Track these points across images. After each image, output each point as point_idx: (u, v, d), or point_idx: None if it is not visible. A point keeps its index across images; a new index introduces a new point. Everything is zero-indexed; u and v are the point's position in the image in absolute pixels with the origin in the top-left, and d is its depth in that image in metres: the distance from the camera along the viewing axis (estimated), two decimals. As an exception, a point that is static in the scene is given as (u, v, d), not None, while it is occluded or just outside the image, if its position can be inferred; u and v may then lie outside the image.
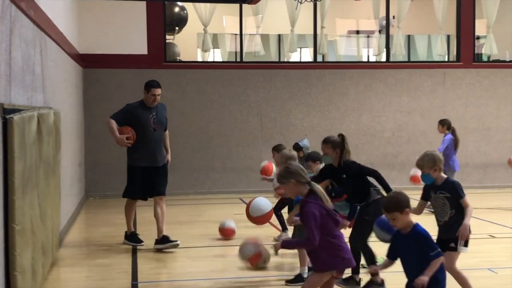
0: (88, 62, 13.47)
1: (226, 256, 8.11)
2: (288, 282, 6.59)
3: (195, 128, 14.24)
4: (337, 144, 6.41)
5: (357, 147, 14.31)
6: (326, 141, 6.47)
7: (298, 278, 6.52)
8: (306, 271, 6.54)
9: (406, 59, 17.19)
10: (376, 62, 16.16)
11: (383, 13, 15.13)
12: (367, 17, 17.09)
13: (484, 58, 16.17)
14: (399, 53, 15.21)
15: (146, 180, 8.27)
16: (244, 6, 14.75)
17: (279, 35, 18.45)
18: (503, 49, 15.97)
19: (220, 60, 18.28)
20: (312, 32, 14.91)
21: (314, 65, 15.03)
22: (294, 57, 17.21)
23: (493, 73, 14.93)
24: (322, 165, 7.10)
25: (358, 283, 6.39)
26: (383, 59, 15.47)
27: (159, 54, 14.10)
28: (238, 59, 15.21)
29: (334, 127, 14.48)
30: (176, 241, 8.21)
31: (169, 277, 7.01)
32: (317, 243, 4.67)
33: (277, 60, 18.04)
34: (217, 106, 14.34)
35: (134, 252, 8.24)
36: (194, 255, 8.12)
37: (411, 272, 4.50)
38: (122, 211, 8.68)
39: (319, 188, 4.89)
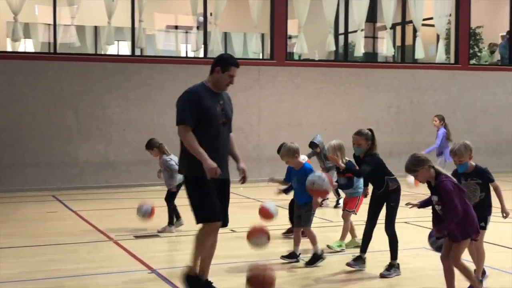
0: None
1: (35, 256, 7.75)
2: (308, 263, 7.00)
3: (5, 121, 13.47)
4: (369, 137, 6.72)
5: (175, 142, 14.35)
6: (361, 134, 6.74)
7: (316, 258, 7.00)
8: (320, 248, 7.04)
9: (223, 56, 17.53)
10: (194, 58, 16.33)
11: (200, 9, 15.31)
12: (185, 12, 17.20)
13: (296, 57, 16.99)
14: (216, 49, 15.48)
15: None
16: (58, -5, 14.19)
17: (96, 27, 17.98)
18: (312, 48, 16.88)
19: (33, 50, 17.41)
20: (130, 25, 14.71)
21: (132, 58, 14.84)
22: (112, 50, 16.87)
23: (304, 71, 15.72)
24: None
25: (364, 261, 6.88)
26: (201, 55, 15.66)
27: (-37, 42, 13.12)
28: (52, 50, 14.59)
29: (152, 121, 14.43)
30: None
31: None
32: (462, 212, 5.28)
33: (93, 52, 17.56)
34: (29, 99, 13.66)
35: None
36: (3, 255, 7.67)
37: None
38: None
39: (440, 167, 5.48)
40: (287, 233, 8.62)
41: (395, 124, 16.18)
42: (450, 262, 5.58)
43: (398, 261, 6.77)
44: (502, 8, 18.52)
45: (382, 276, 6.65)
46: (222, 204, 5.82)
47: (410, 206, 5.77)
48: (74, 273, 6.80)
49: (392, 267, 6.70)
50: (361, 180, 7.66)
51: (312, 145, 11.01)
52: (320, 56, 17.38)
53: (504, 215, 6.02)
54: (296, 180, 7.25)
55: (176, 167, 8.87)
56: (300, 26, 15.96)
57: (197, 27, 16.28)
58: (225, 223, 5.96)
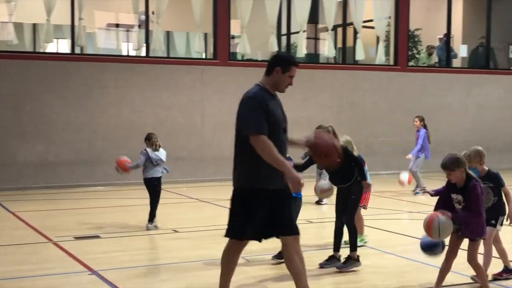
0: None
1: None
2: (275, 257, 7.04)
3: None
4: (331, 131, 7.05)
5: (117, 142, 14.22)
6: (322, 128, 7.12)
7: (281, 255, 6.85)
8: None
9: (166, 55, 17.46)
10: (136, 56, 16.16)
11: (142, 7, 15.17)
12: (126, 11, 17.01)
13: (239, 57, 17.01)
14: (158, 48, 15.37)
15: (273, 210, 5.13)
16: (-5, -9, 13.83)
17: (34, 24, 17.59)
18: (255, 49, 16.95)
19: (-32, 48, 16.91)
20: (69, 23, 14.45)
21: (72, 57, 14.58)
22: (51, 48, 16.54)
23: (247, 71, 15.73)
24: None
25: (339, 259, 6.92)
26: (143, 53, 15.53)
27: None
28: (-11, 48, 14.22)
29: (93, 121, 14.23)
30: None
31: None
32: (484, 216, 5.74)
33: (32, 50, 17.18)
34: (-36, 98, 13.27)
35: None
36: None
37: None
38: None
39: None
40: None
41: (336, 125, 16.17)
42: (452, 260, 5.84)
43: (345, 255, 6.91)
44: (439, 11, 18.99)
45: (338, 268, 6.74)
46: (279, 215, 5.14)
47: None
48: (12, 275, 6.65)
49: (350, 260, 6.80)
50: (367, 174, 7.61)
51: None
52: (263, 56, 17.45)
53: (509, 221, 6.30)
54: None
55: (139, 161, 9.14)
56: (243, 26, 16.00)
57: (139, 26, 16.12)
58: (290, 231, 5.21)
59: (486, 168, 6.30)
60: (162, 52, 16.09)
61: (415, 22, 18.56)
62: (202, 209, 11.20)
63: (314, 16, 17.83)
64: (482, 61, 18.84)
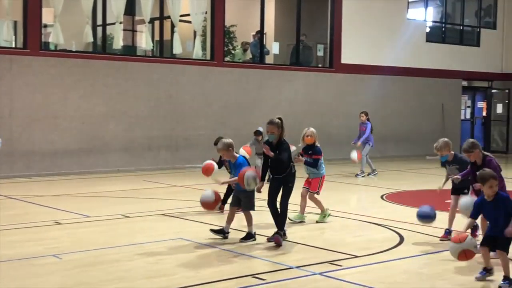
0: None
1: None
2: (242, 239, 7.85)
3: None
4: (280, 125, 7.81)
5: None
6: (273, 123, 7.83)
7: (249, 236, 7.88)
8: (253, 230, 7.93)
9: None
10: None
11: None
12: None
13: (52, 47, 16.33)
14: (-39, 35, 14.32)
15: None
16: None
17: None
18: (69, 39, 16.36)
19: None
20: None
21: None
22: None
23: (60, 62, 15.18)
24: None
25: (285, 235, 7.91)
26: None
27: None
28: None
29: None
30: None
31: None
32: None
33: None
34: None
35: None
36: None
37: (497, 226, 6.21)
38: None
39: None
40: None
41: (153, 118, 16.35)
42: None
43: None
44: (253, 9, 19.61)
45: (278, 245, 7.62)
46: None
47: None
48: None
49: (281, 236, 7.75)
50: (323, 164, 9.30)
51: (257, 132, 12.96)
52: (78, 47, 16.89)
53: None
54: (234, 172, 8.00)
55: None
56: (56, 15, 15.37)
57: None
58: None
59: (453, 153, 7.95)
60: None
61: (230, 18, 19.01)
62: (11, 207, 10.63)
63: (130, 8, 17.61)
64: (293, 58, 19.77)
